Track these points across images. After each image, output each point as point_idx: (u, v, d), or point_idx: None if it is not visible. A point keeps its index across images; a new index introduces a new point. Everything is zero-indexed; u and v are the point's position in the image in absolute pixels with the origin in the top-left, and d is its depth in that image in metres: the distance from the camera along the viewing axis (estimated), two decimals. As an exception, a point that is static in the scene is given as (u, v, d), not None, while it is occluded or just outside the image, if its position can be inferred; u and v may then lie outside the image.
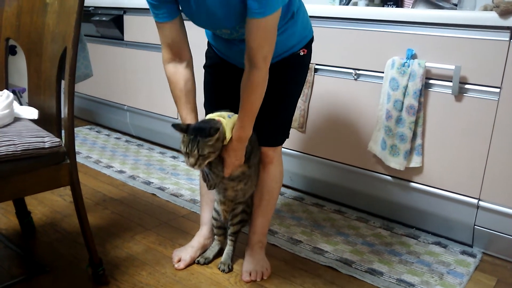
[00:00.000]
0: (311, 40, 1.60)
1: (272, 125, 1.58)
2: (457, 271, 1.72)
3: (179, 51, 1.47)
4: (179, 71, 1.48)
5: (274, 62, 1.44)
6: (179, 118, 2.82)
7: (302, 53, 1.55)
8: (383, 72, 1.93)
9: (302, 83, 1.62)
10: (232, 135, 1.44)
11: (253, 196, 1.68)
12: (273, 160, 1.63)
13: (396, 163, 1.93)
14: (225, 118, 1.45)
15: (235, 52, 1.52)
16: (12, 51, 3.56)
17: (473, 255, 1.83)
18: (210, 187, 1.52)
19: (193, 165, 1.40)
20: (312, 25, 1.62)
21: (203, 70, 1.67)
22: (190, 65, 1.51)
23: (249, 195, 1.65)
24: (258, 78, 1.36)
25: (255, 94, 1.38)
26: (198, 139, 1.38)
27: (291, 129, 1.68)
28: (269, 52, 1.34)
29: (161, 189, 2.37)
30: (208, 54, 1.67)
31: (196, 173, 2.55)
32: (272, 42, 1.33)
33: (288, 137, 1.66)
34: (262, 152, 1.61)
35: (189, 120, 1.50)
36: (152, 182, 2.45)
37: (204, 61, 1.68)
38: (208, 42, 1.66)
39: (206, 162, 1.42)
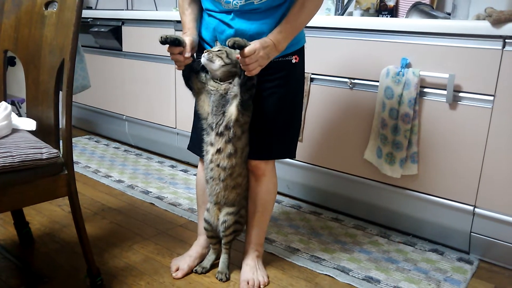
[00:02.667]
0: (303, 47, 1.60)
1: (260, 137, 1.58)
2: (454, 278, 1.72)
3: None
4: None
5: (267, 67, 1.45)
6: (177, 127, 2.86)
7: (294, 61, 1.56)
8: (378, 81, 1.95)
9: (302, 96, 1.63)
10: (269, 39, 1.42)
11: (246, 206, 1.68)
12: (265, 173, 1.63)
13: (392, 171, 1.94)
14: None
15: (225, 38, 1.49)
16: (11, 62, 3.58)
17: (470, 262, 1.84)
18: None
19: (204, 53, 1.46)
20: (307, 35, 1.63)
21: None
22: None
23: (235, 203, 1.62)
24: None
25: (305, 11, 1.44)
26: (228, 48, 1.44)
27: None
28: None
29: (160, 198, 2.38)
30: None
31: (194, 182, 2.56)
32: None
33: (291, 157, 1.66)
34: (253, 165, 1.61)
35: (191, 27, 1.55)
36: (151, 192, 2.46)
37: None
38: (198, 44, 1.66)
39: (212, 61, 1.47)
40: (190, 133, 1.74)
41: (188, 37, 1.50)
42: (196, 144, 1.67)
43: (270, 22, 1.46)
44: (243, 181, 1.62)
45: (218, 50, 1.48)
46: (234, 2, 1.44)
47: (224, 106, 1.51)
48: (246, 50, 1.36)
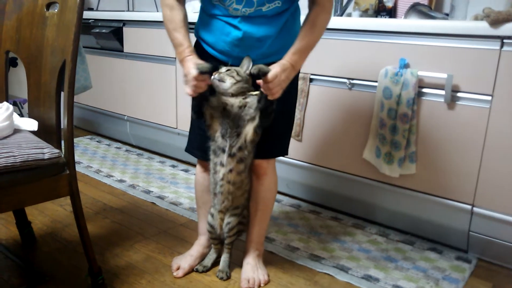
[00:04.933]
0: None
1: (263, 137, 1.57)
2: (452, 276, 1.73)
3: None
4: (179, 5, 1.51)
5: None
6: (178, 127, 2.87)
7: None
8: (376, 82, 1.96)
9: (296, 96, 1.65)
10: (286, 61, 1.43)
11: (248, 206, 1.70)
12: (267, 171, 1.65)
13: (391, 170, 1.95)
14: None
15: (232, 40, 1.50)
16: (13, 63, 3.60)
17: (468, 261, 1.85)
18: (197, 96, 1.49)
19: (213, 75, 1.44)
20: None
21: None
22: (183, 4, 1.55)
23: (241, 206, 1.64)
24: (325, 15, 1.46)
25: (317, 28, 1.45)
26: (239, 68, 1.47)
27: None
28: None
29: (161, 197, 2.39)
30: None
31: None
32: None
33: (286, 153, 1.68)
34: (256, 164, 1.63)
35: (192, 49, 1.48)
36: (152, 191, 2.48)
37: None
38: (195, 47, 1.64)
39: (224, 81, 1.46)
40: (188, 135, 1.75)
41: (196, 59, 1.45)
42: (194, 146, 1.69)
43: (276, 26, 1.48)
44: (248, 186, 1.65)
45: (227, 70, 1.48)
46: (243, 10, 1.45)
47: (238, 127, 1.51)
48: (270, 76, 1.37)
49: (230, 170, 1.54)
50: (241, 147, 1.51)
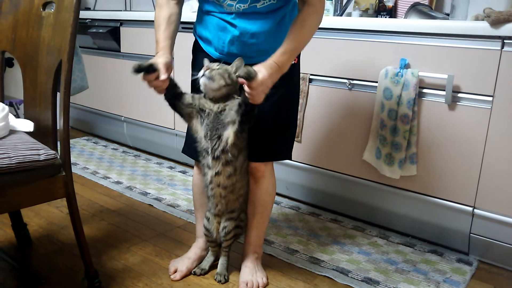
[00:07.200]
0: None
1: (260, 139, 1.57)
2: (453, 279, 1.72)
3: None
4: (168, 4, 1.51)
5: None
6: (175, 128, 2.85)
7: (293, 62, 1.55)
8: (377, 82, 1.95)
9: (298, 96, 1.63)
10: (274, 63, 1.38)
11: (246, 210, 1.67)
12: (265, 174, 1.63)
13: (391, 172, 1.94)
14: None
15: (228, 37, 1.49)
16: (9, 63, 3.58)
17: (469, 263, 1.84)
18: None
19: (204, 71, 1.40)
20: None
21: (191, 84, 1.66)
22: (180, 3, 1.54)
23: (236, 209, 1.62)
24: (316, 15, 1.42)
25: (306, 28, 1.41)
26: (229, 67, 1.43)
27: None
28: None
29: (158, 199, 2.37)
30: (195, 62, 1.64)
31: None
32: None
33: (288, 158, 1.66)
34: (253, 167, 1.60)
35: (164, 45, 1.47)
36: (149, 193, 2.46)
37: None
38: (194, 49, 1.65)
39: (213, 80, 1.41)
40: (185, 136, 1.73)
41: (160, 58, 1.42)
42: (191, 147, 1.67)
43: (271, 21, 1.46)
44: (244, 190, 1.62)
45: (219, 68, 1.42)
46: (237, 5, 1.43)
47: (218, 130, 1.46)
48: (256, 83, 1.31)
49: (217, 173, 1.50)
50: (224, 150, 1.47)
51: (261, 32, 1.46)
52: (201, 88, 1.46)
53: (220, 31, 1.50)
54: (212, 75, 1.41)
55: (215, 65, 1.44)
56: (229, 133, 1.45)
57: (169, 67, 1.44)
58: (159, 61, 1.41)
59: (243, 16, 1.45)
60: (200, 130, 1.50)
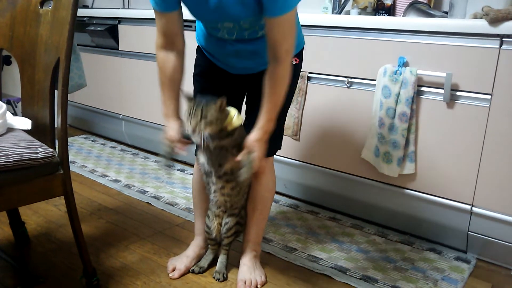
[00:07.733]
0: (303, 49, 1.61)
1: None
2: (451, 277, 1.72)
3: (173, 40, 1.47)
4: (169, 58, 1.48)
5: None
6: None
7: (294, 62, 1.56)
8: (375, 80, 1.95)
9: (291, 94, 1.63)
10: (258, 129, 1.44)
11: (246, 207, 1.68)
12: (265, 170, 1.63)
13: (390, 170, 1.94)
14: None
15: (228, 52, 1.52)
16: (7, 61, 3.57)
17: (467, 261, 1.84)
18: (199, 147, 1.52)
19: (193, 129, 1.39)
20: (305, 34, 1.63)
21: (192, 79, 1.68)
22: (181, 55, 1.50)
23: (239, 206, 1.64)
24: (282, 71, 1.39)
25: (280, 86, 1.41)
26: (204, 103, 1.39)
27: (284, 137, 1.69)
28: (291, 46, 1.37)
29: (156, 198, 2.37)
30: (198, 62, 1.66)
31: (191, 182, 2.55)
32: (293, 35, 1.38)
33: (280, 148, 1.67)
34: None
35: (169, 105, 1.51)
36: (147, 191, 2.45)
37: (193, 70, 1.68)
38: (197, 48, 1.66)
39: (206, 130, 1.40)
40: None
41: (175, 123, 1.52)
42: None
43: (264, 42, 1.45)
44: (247, 188, 1.64)
45: (202, 123, 1.40)
46: (227, 37, 1.47)
47: (218, 160, 1.50)
48: (256, 166, 1.43)
49: (222, 187, 1.56)
50: (227, 173, 1.52)
51: (260, 48, 1.47)
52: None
53: (220, 48, 1.53)
54: (206, 135, 1.42)
55: (193, 122, 1.41)
56: (229, 166, 1.50)
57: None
58: (177, 128, 1.51)
59: (238, 41, 1.49)
60: (202, 156, 1.54)
